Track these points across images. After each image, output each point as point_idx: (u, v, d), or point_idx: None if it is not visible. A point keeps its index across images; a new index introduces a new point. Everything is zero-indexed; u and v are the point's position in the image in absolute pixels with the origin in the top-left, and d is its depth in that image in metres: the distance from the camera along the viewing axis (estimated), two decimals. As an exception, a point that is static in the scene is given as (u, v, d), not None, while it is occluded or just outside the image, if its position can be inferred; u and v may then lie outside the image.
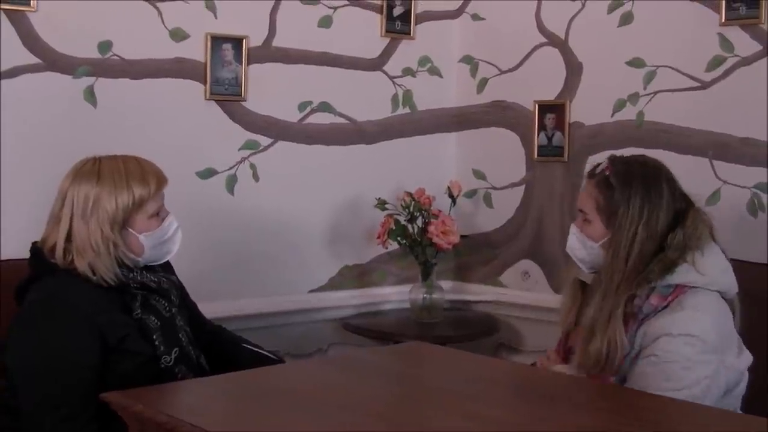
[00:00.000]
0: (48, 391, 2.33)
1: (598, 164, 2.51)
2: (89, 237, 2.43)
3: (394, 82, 4.16)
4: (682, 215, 2.42)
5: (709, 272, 2.38)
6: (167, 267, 2.72)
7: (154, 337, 2.46)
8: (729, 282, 2.43)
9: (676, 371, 2.27)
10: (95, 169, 2.47)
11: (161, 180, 2.55)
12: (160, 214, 2.55)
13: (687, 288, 2.35)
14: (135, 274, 2.51)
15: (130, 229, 2.49)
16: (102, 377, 2.36)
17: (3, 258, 3.00)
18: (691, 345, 2.28)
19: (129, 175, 2.48)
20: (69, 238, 2.45)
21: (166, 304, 2.56)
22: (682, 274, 2.35)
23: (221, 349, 2.82)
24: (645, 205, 2.39)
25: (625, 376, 2.36)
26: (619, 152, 2.58)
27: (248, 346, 2.83)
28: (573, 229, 2.55)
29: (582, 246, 2.51)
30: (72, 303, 2.40)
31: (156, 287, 2.55)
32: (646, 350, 2.32)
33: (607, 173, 2.45)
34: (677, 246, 2.37)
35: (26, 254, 2.56)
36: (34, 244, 2.53)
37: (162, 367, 2.45)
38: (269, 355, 2.82)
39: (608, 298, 2.38)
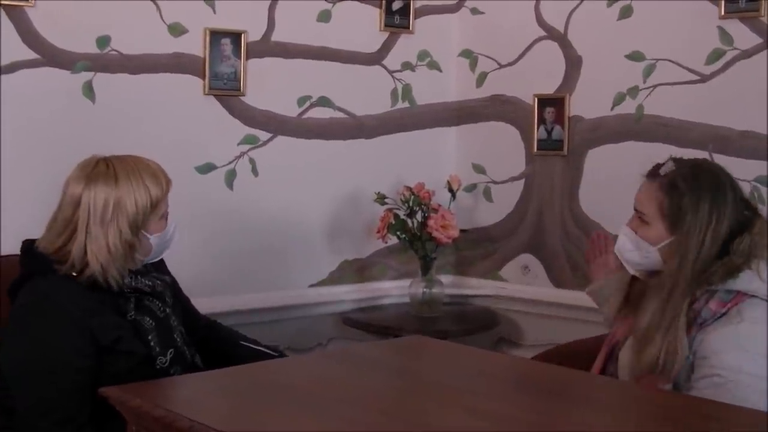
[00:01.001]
0: (41, 394, 2.31)
1: (659, 165, 2.45)
2: (107, 240, 2.39)
3: (393, 77, 4.15)
4: (748, 222, 2.37)
5: None
6: (159, 265, 2.70)
7: (150, 338, 2.44)
8: None
9: (742, 390, 2.20)
10: (111, 172, 2.43)
11: (168, 179, 2.53)
12: (165, 214, 2.54)
13: (746, 297, 2.29)
14: (129, 279, 2.48)
15: (144, 232, 2.47)
16: (97, 379, 2.33)
17: (2, 254, 3.00)
18: (754, 361, 2.23)
19: (143, 175, 2.45)
20: (85, 241, 2.40)
21: (160, 305, 2.54)
22: (745, 281, 2.30)
23: (218, 347, 2.81)
24: (713, 212, 2.33)
25: (678, 383, 2.30)
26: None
27: (247, 344, 2.80)
28: (625, 230, 2.48)
29: (636, 248, 2.45)
30: (63, 305, 2.37)
31: (150, 291, 2.53)
32: (704, 366, 2.26)
33: (676, 176, 2.40)
34: (743, 252, 2.32)
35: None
36: (27, 242, 2.50)
37: (157, 368, 2.43)
38: (269, 351, 2.80)
39: (672, 303, 2.32)
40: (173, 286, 2.71)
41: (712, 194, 2.36)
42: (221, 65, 3.65)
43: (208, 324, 2.87)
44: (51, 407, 2.31)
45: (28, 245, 2.49)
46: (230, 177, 3.72)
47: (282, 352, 2.87)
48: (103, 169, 2.43)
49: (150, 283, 2.54)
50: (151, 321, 2.47)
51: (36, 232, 2.54)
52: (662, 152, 2.55)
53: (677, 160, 2.45)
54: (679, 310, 2.31)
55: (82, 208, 2.40)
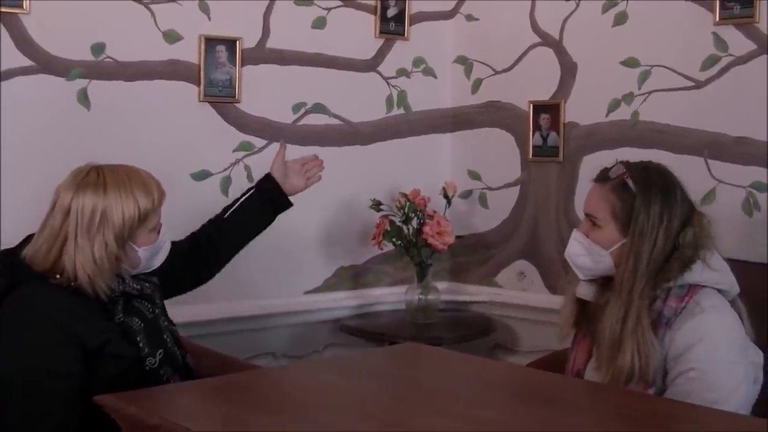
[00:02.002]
0: (31, 403, 2.30)
1: (607, 168, 2.48)
2: (93, 251, 2.37)
3: (388, 83, 4.15)
4: (691, 217, 2.41)
5: (721, 269, 2.39)
6: None
7: (138, 339, 2.43)
8: (733, 281, 2.42)
9: (717, 378, 2.25)
10: (101, 181, 2.41)
11: (162, 192, 2.51)
12: (156, 227, 2.53)
13: (699, 287, 2.34)
14: (117, 284, 2.46)
15: (132, 244, 2.45)
16: (87, 383, 2.33)
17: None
18: (722, 347, 2.29)
19: (134, 187, 2.43)
20: (74, 250, 2.38)
21: (149, 306, 2.53)
22: (697, 273, 2.35)
23: (215, 236, 2.95)
24: (664, 211, 2.37)
25: (660, 387, 2.32)
26: (616, 154, 2.58)
27: (229, 211, 2.87)
28: (577, 235, 2.49)
29: (587, 253, 2.46)
30: (49, 313, 2.35)
31: (138, 294, 2.52)
32: (679, 364, 2.29)
33: (626, 178, 2.43)
34: (689, 244, 2.37)
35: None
36: (6, 252, 2.49)
37: (147, 369, 2.42)
38: (247, 194, 2.90)
39: (633, 306, 2.35)
40: (162, 275, 2.69)
41: (662, 194, 2.39)
42: (216, 72, 3.65)
43: (194, 235, 2.97)
44: (44, 413, 2.30)
45: (8, 256, 2.47)
46: (225, 184, 3.71)
47: (258, 184, 2.96)
48: (93, 178, 2.42)
49: (138, 286, 2.53)
50: (139, 322, 2.46)
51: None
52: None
53: (626, 163, 2.48)
54: (642, 310, 2.33)
55: (71, 216, 2.39)
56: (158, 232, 2.53)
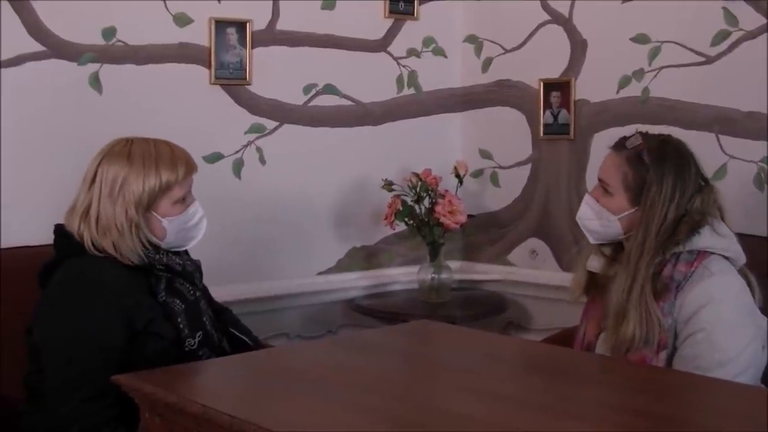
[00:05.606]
0: (73, 370, 2.35)
1: (626, 138, 2.52)
2: (114, 217, 2.43)
3: (398, 63, 4.15)
4: (701, 189, 2.46)
5: (728, 236, 2.43)
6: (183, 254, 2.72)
7: (179, 320, 2.47)
8: (740, 250, 2.46)
9: (725, 340, 2.29)
10: (126, 150, 2.48)
11: (190, 166, 2.55)
12: (186, 201, 2.55)
13: (707, 254, 2.38)
14: (161, 255, 2.52)
15: (154, 213, 2.49)
16: (128, 359, 2.37)
17: (7, 246, 3.01)
18: (731, 310, 2.34)
19: (159, 159, 2.49)
20: (97, 217, 2.45)
21: (190, 288, 2.57)
22: (706, 238, 2.38)
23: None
24: (677, 185, 2.41)
25: (672, 351, 2.36)
26: (627, 131, 2.59)
27: (232, 330, 2.80)
28: (588, 199, 2.55)
29: (597, 217, 2.52)
30: (100, 283, 2.41)
31: (181, 270, 2.55)
32: (688, 326, 2.33)
33: (642, 150, 2.46)
34: (698, 211, 2.41)
35: (31, 241, 2.56)
36: (59, 225, 2.53)
37: (186, 350, 2.46)
38: (246, 341, 2.79)
39: (638, 277, 2.39)
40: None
41: (676, 169, 2.43)
42: (227, 54, 3.65)
43: (218, 308, 2.90)
44: (84, 382, 2.34)
45: (62, 228, 2.51)
46: (238, 166, 3.73)
47: (258, 344, 2.83)
48: (120, 147, 2.49)
49: (180, 261, 2.57)
50: (180, 303, 2.50)
51: (43, 224, 2.57)
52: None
53: (644, 134, 2.52)
54: (647, 281, 2.37)
55: (95, 184, 2.46)
56: (187, 206, 2.56)
